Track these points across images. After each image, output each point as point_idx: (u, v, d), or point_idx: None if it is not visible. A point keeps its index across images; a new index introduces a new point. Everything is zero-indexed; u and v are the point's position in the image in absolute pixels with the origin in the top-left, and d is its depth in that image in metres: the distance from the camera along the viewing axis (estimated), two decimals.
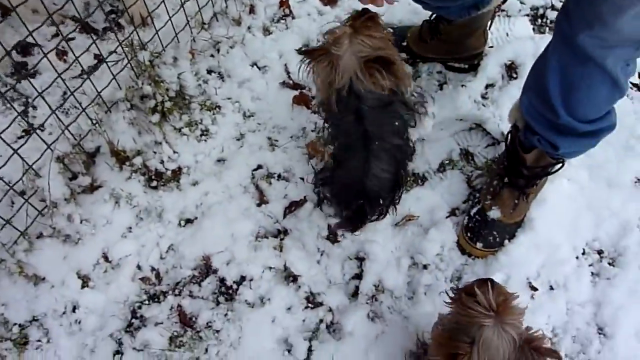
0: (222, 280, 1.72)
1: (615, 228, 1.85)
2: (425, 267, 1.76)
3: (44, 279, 1.67)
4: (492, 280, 1.22)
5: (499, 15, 2.28)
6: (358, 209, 1.55)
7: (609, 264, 1.80)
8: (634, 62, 1.43)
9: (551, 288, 1.75)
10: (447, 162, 1.97)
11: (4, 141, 1.52)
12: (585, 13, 1.29)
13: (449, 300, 1.28)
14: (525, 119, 1.63)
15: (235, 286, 1.71)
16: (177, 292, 1.70)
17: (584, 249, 1.83)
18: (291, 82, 2.06)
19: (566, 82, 1.44)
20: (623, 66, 1.39)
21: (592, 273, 1.79)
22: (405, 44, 2.12)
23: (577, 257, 1.80)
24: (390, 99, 1.44)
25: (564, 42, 1.39)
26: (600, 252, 1.83)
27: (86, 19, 1.97)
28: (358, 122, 1.45)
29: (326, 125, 1.61)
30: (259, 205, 1.84)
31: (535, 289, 1.73)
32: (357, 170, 1.49)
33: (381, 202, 1.58)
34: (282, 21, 2.21)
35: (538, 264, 1.77)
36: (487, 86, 2.11)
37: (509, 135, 1.77)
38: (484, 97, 2.08)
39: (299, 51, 1.44)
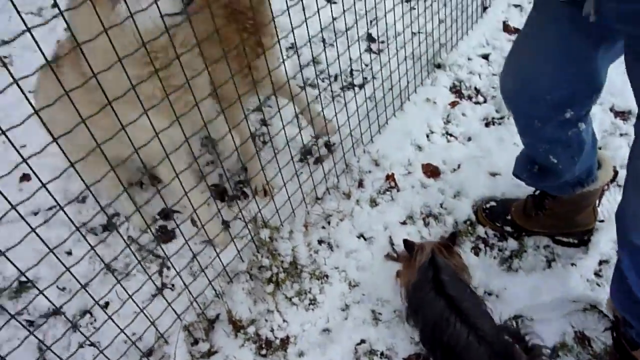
0: None
1: None
2: None
3: None
4: None
5: (608, 189, 2.25)
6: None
7: None
8: None
9: None
10: (560, 346, 1.87)
11: (137, 305, 1.77)
12: None
13: None
14: (621, 313, 1.55)
15: None
16: None
17: None
18: (395, 254, 2.16)
19: None
20: None
21: None
22: (509, 217, 2.16)
23: None
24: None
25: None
26: None
27: (218, 188, 2.31)
28: (438, 293, 1.60)
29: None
30: None
31: None
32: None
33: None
34: (388, 193, 2.38)
35: None
36: (600, 262, 2.03)
37: (613, 327, 1.66)
38: (597, 274, 2.00)
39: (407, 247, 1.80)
